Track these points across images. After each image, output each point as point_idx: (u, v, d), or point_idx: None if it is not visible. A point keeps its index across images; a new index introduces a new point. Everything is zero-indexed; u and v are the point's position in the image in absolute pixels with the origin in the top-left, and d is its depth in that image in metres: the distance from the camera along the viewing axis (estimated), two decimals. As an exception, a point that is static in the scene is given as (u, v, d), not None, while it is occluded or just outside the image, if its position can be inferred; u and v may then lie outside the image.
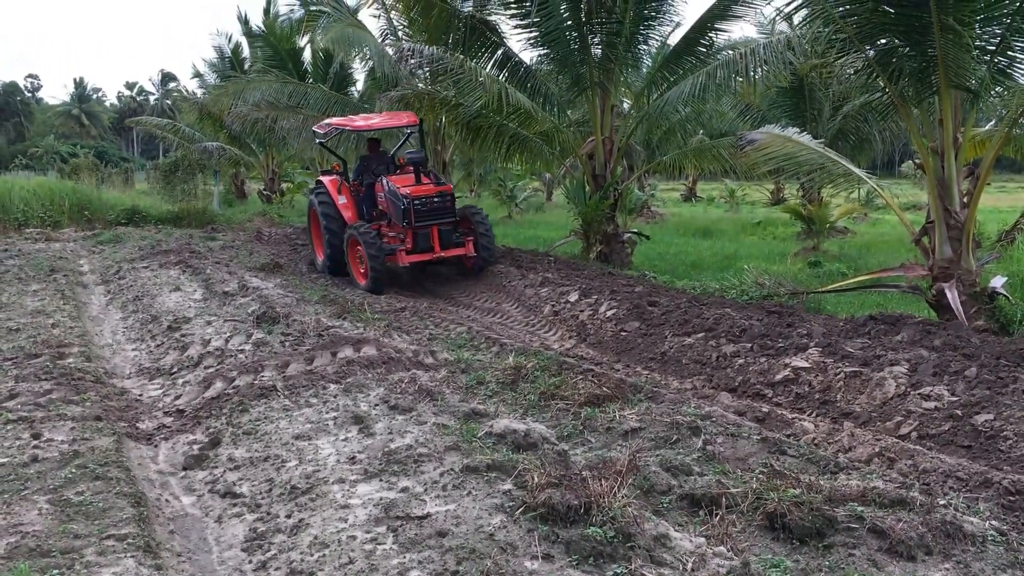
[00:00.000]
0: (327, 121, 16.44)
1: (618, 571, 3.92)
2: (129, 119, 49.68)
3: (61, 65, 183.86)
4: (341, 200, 14.91)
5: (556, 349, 9.47)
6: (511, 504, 4.50)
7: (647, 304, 10.36)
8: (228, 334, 9.28)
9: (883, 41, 9.32)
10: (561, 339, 10.41)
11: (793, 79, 18.39)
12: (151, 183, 37.17)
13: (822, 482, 4.87)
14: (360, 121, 15.72)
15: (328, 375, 7.25)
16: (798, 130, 10.83)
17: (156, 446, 6.35)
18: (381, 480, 5.02)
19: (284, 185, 37.05)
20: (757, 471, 5.15)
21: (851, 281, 11.17)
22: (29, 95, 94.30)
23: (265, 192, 35.28)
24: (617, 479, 4.73)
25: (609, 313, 10.49)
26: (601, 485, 4.54)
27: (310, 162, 33.41)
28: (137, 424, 6.77)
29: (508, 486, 4.76)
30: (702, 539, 4.34)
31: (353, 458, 5.41)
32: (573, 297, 11.52)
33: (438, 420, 6.00)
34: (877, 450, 5.92)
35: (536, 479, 4.66)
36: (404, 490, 4.85)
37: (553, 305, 11.63)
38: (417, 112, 16.93)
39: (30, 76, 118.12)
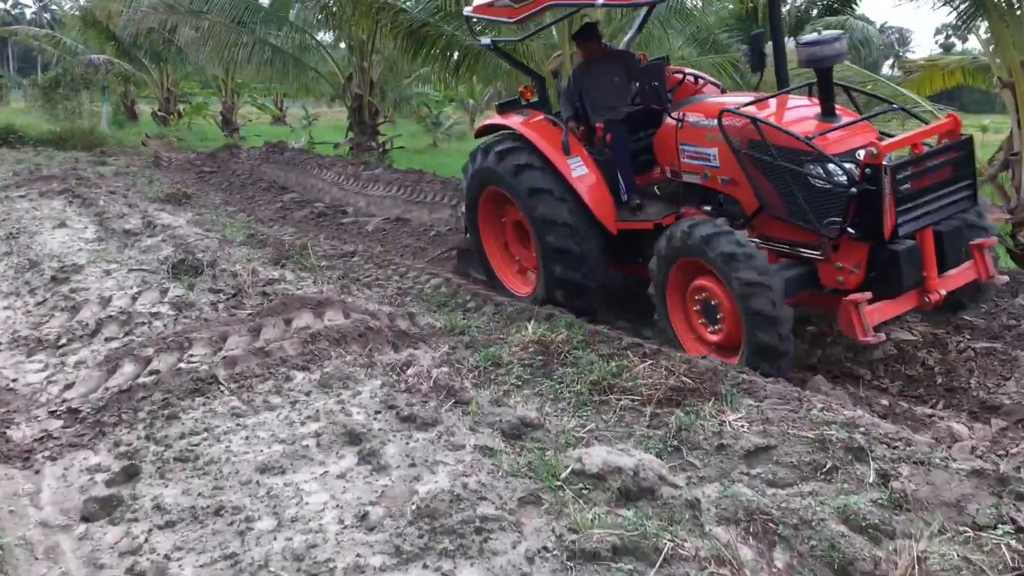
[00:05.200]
0: None
1: None
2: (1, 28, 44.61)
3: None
4: (578, 168, 7.04)
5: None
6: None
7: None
8: (135, 289, 6.98)
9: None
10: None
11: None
12: (29, 102, 33.31)
13: None
14: None
15: (290, 357, 5.11)
16: None
17: (38, 472, 4.16)
18: (428, 572, 3.00)
19: (181, 106, 33.58)
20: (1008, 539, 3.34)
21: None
22: None
23: (160, 113, 31.85)
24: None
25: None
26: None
27: (212, 80, 30.19)
28: (6, 430, 4.56)
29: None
30: None
31: (365, 517, 3.36)
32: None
33: (479, 440, 3.99)
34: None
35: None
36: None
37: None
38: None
39: None
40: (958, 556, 3.21)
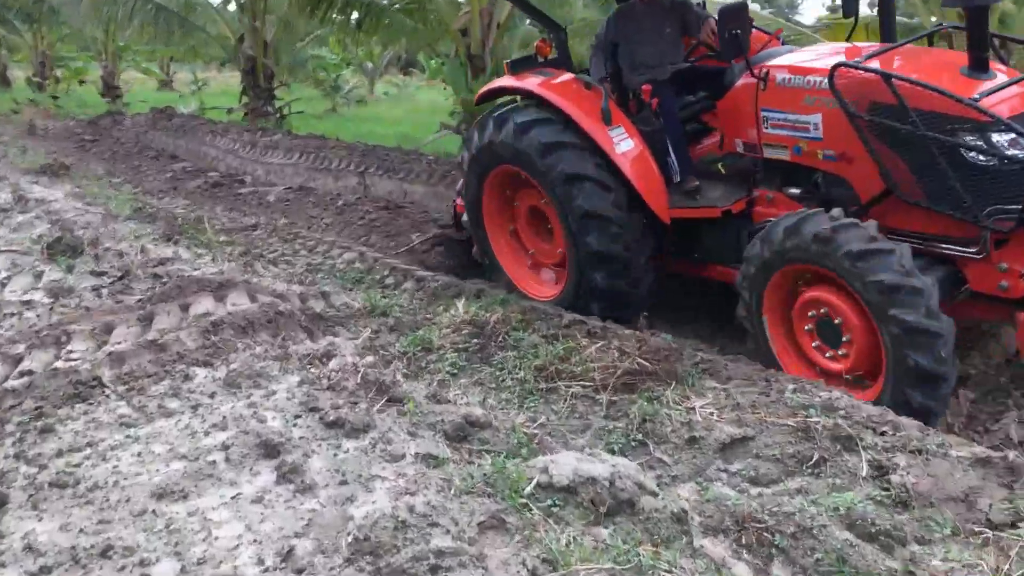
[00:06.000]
0: None
1: None
2: None
3: None
4: (622, 142, 5.70)
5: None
6: None
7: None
8: (3, 274, 6.10)
9: None
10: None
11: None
12: None
13: None
14: None
15: (189, 351, 4.39)
16: None
17: None
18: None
19: (58, 71, 31.41)
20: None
21: None
22: None
23: (35, 79, 29.74)
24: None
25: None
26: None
27: (91, 42, 28.28)
28: None
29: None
30: None
31: (290, 554, 2.74)
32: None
33: (420, 447, 3.39)
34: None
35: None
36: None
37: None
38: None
39: None
40: (987, 566, 2.80)
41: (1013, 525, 3.05)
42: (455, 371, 4.63)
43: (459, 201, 7.06)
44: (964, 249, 4.62)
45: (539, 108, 5.88)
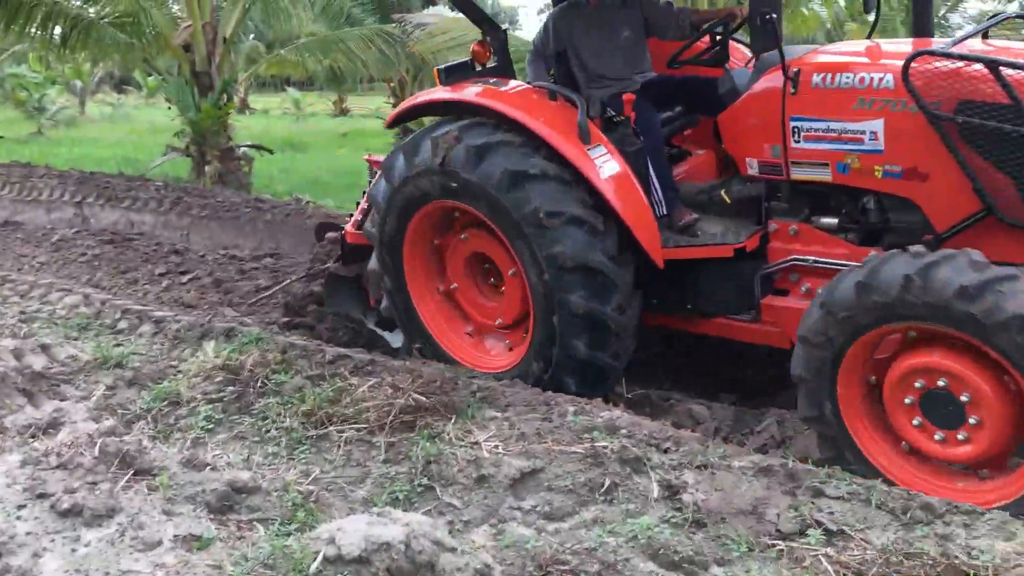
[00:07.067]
0: None
1: None
2: None
3: None
4: (605, 165, 4.58)
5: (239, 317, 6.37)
6: None
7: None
8: None
9: None
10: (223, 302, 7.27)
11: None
12: None
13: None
14: None
15: None
16: None
17: None
18: None
19: None
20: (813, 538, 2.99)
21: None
22: None
23: None
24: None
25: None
26: None
27: None
28: None
29: None
30: None
31: None
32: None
33: (180, 526, 2.92)
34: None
35: None
36: None
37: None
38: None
39: None
40: (790, 580, 2.79)
41: (802, 533, 3.08)
42: (211, 426, 4.13)
43: (349, 229, 5.92)
44: None
45: (494, 127, 4.69)
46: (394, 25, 12.46)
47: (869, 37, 5.10)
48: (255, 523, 3.10)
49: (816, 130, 4.26)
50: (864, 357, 3.78)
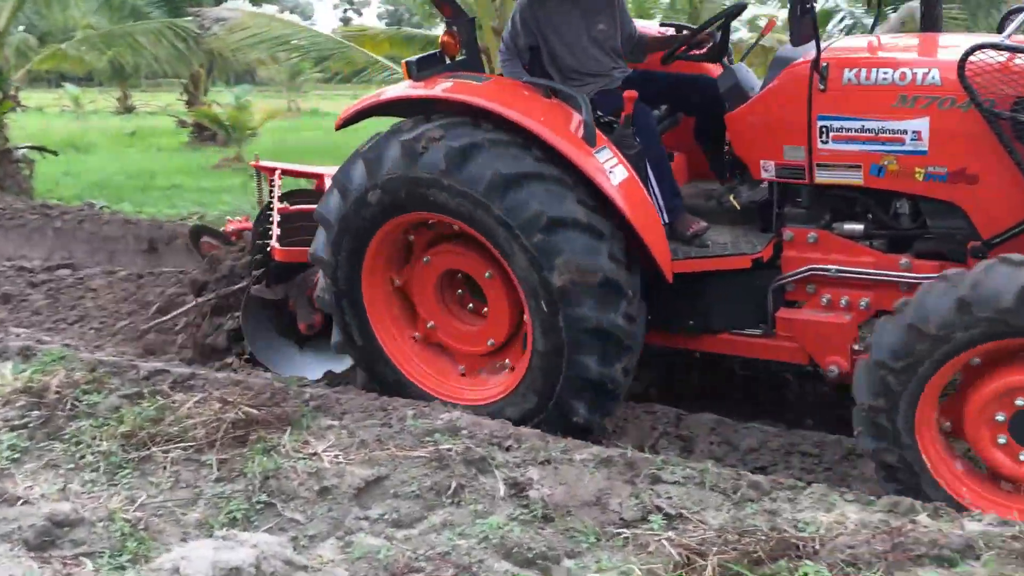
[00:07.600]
0: None
1: None
2: None
3: None
4: (614, 170, 4.17)
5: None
6: None
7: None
8: None
9: None
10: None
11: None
12: None
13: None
14: None
15: None
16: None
17: None
18: None
19: None
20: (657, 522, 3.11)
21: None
22: None
23: None
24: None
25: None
26: None
27: None
28: None
29: None
30: None
31: None
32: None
33: (-3, 571, 2.66)
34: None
35: None
36: None
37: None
38: None
39: None
40: (638, 570, 2.88)
41: (644, 519, 3.20)
42: (17, 455, 3.77)
43: (276, 245, 5.28)
44: None
45: (474, 126, 4.18)
46: (189, 19, 11.87)
47: (872, 31, 4.97)
48: (81, 558, 2.87)
49: (848, 130, 3.95)
50: (949, 378, 3.49)
